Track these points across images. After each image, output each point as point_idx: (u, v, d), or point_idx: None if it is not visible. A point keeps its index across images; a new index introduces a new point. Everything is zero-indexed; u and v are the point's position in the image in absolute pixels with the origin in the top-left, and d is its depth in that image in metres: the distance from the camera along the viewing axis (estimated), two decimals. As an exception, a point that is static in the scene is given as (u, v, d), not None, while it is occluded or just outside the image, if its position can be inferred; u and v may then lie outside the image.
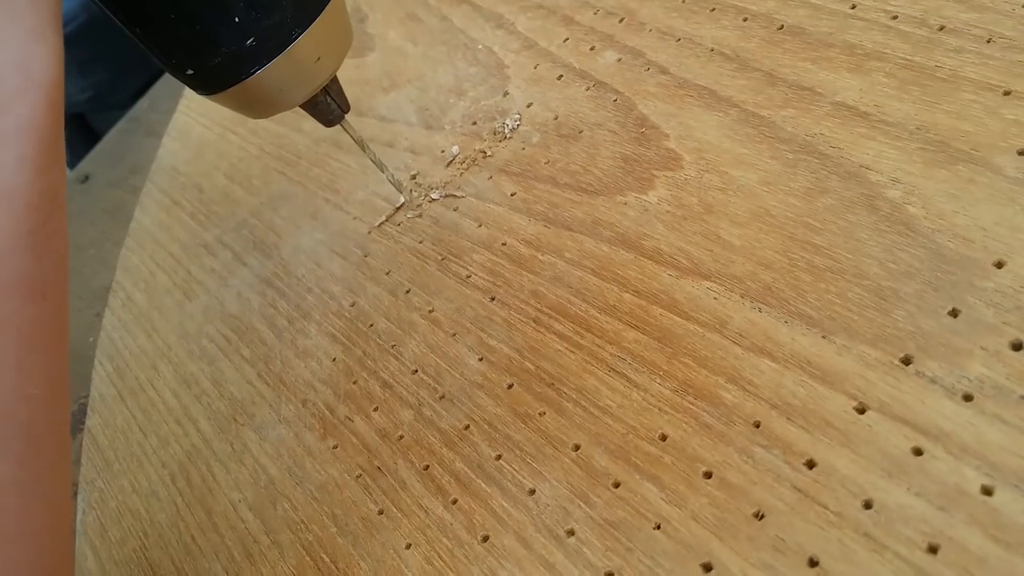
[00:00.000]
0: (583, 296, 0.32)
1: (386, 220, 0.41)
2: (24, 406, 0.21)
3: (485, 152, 0.40)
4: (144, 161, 0.66)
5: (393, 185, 0.40)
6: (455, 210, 0.39)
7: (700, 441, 0.26)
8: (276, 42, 0.29)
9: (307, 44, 0.29)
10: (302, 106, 0.33)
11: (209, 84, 0.30)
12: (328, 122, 0.34)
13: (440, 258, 0.38)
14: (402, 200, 0.41)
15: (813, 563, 0.22)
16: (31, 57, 0.21)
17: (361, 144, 0.37)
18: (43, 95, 0.21)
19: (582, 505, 0.27)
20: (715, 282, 0.29)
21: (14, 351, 0.21)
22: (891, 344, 0.25)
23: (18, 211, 0.21)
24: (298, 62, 0.30)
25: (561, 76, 0.41)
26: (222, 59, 0.28)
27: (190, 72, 0.29)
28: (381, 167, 0.39)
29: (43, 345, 0.22)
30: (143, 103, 0.80)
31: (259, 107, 0.31)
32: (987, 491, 0.21)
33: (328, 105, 0.33)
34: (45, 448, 0.22)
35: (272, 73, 0.29)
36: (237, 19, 0.27)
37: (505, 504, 0.28)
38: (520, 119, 0.41)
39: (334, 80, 0.33)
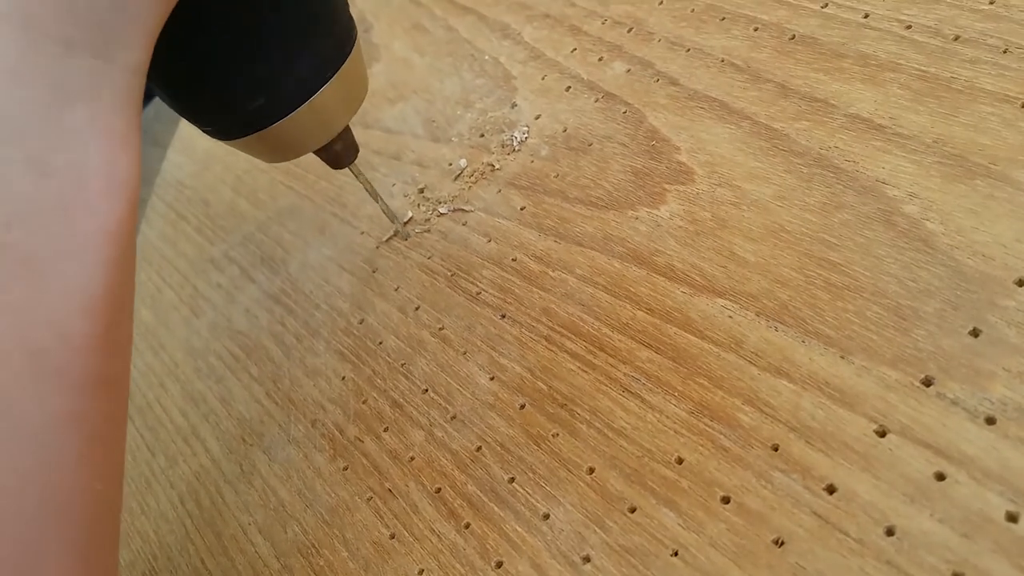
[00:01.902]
0: (595, 314, 0.32)
1: (394, 235, 0.41)
2: (86, 500, 0.22)
3: (493, 165, 0.40)
4: (149, 171, 0.66)
5: (397, 230, 0.40)
6: (464, 224, 0.39)
7: (717, 465, 0.26)
8: (267, 115, 0.29)
9: (309, 112, 0.30)
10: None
11: (214, 134, 0.30)
12: (337, 166, 0.35)
13: (449, 274, 0.37)
14: (408, 215, 0.41)
15: (835, 592, 0.22)
16: (115, 161, 0.21)
17: (373, 193, 0.37)
18: (125, 197, 0.22)
19: (597, 530, 0.27)
20: (730, 300, 0.29)
21: (81, 446, 0.21)
22: (911, 365, 0.25)
23: (96, 312, 0.21)
24: (300, 125, 0.30)
25: (569, 87, 0.41)
26: (222, 120, 0.29)
27: (191, 119, 0.29)
28: (392, 217, 0.39)
29: (107, 439, 0.23)
30: (148, 112, 0.80)
31: (267, 156, 0.32)
32: (1012, 517, 0.21)
33: (335, 152, 0.34)
34: (103, 539, 0.23)
35: (273, 133, 0.30)
36: (238, 90, 0.28)
37: (519, 529, 0.28)
38: (528, 131, 0.41)
39: (345, 128, 0.33)
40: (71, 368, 0.21)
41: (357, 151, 0.35)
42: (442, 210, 0.40)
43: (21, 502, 0.20)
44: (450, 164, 0.42)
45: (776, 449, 0.25)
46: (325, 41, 0.29)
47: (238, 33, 0.27)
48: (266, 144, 0.30)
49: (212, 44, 0.26)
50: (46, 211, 0.20)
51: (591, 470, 0.28)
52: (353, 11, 0.31)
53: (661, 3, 0.41)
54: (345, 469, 0.34)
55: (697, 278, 0.30)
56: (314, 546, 0.32)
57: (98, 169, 0.21)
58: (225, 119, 0.29)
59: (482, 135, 0.42)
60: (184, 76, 0.24)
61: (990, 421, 0.23)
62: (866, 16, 0.34)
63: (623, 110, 0.38)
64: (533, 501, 0.28)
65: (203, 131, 0.30)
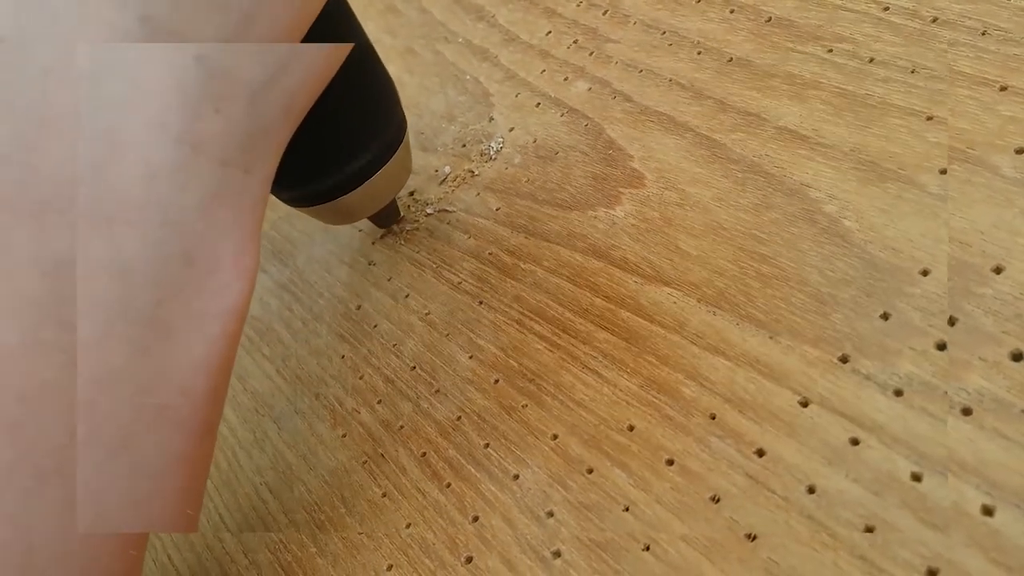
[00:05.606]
0: (560, 300, 0.31)
1: (387, 233, 0.40)
2: (179, 526, 0.23)
3: (473, 171, 0.39)
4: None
5: (391, 228, 0.40)
6: (447, 223, 0.38)
7: (663, 432, 0.25)
8: (336, 191, 0.31)
9: (369, 187, 0.31)
10: None
11: (285, 200, 0.31)
12: (384, 226, 0.38)
13: (435, 266, 0.37)
14: (401, 216, 0.40)
15: (751, 537, 0.22)
16: (244, 253, 0.22)
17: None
18: (248, 281, 0.23)
19: (560, 489, 0.26)
20: (675, 288, 0.29)
21: (186, 482, 0.23)
22: (830, 344, 0.24)
23: (213, 374, 0.22)
24: (362, 198, 0.31)
25: (539, 104, 0.40)
26: (295, 194, 0.31)
27: None
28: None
29: (200, 476, 0.24)
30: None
31: (327, 219, 0.33)
32: (916, 477, 0.21)
33: (384, 216, 0.36)
34: None
35: (337, 205, 0.31)
36: (316, 172, 0.30)
37: (492, 488, 0.27)
38: (503, 142, 0.40)
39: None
40: (189, 420, 0.22)
41: (399, 214, 0.38)
42: (429, 211, 0.40)
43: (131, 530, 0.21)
44: (436, 171, 0.41)
45: (713, 418, 0.25)
46: (390, 129, 0.31)
47: (327, 128, 0.28)
48: (328, 212, 0.32)
49: (304, 137, 0.26)
50: (188, 293, 0.21)
51: (555, 436, 0.27)
52: None
53: (624, 32, 0.40)
54: (344, 436, 0.33)
55: (647, 269, 0.30)
56: (316, 504, 0.32)
57: (231, 260, 0.22)
58: (299, 194, 0.30)
59: (464, 145, 0.41)
60: None
61: (898, 393, 0.22)
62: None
63: (585, 123, 0.37)
64: (505, 464, 0.28)
65: (275, 195, 0.31)
